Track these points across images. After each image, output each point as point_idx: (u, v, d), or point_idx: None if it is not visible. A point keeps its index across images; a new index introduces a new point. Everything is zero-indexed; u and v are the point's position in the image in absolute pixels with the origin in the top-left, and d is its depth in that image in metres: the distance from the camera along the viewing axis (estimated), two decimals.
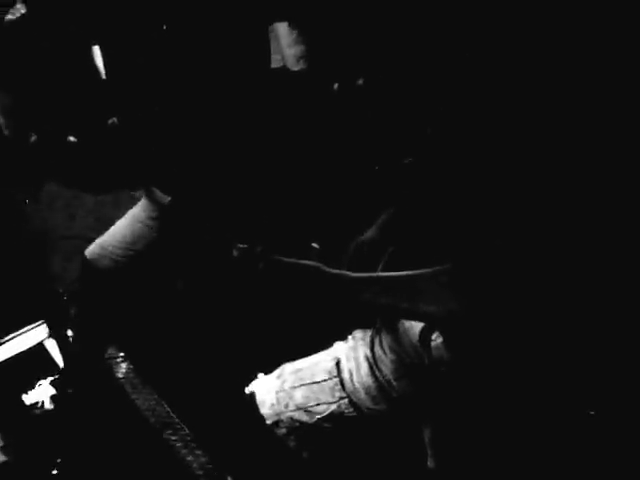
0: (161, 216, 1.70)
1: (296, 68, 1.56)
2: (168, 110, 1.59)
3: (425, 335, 1.40)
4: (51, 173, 1.77)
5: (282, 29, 1.55)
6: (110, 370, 1.66)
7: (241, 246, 1.47)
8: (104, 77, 1.67)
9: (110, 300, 1.72)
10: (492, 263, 1.28)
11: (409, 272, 1.31)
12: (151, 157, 1.66)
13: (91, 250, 1.76)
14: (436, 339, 1.40)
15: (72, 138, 1.64)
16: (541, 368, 1.34)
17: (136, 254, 1.71)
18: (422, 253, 1.39)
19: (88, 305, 1.75)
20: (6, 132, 1.70)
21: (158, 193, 1.67)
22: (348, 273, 1.39)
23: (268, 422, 1.50)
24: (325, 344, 1.56)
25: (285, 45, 1.54)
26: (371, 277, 1.37)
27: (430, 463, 1.56)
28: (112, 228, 1.78)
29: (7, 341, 1.82)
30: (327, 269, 1.39)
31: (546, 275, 1.22)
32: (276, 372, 1.56)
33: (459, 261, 1.29)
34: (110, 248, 1.73)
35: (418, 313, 1.33)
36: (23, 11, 1.73)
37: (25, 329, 1.84)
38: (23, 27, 1.67)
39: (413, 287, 1.31)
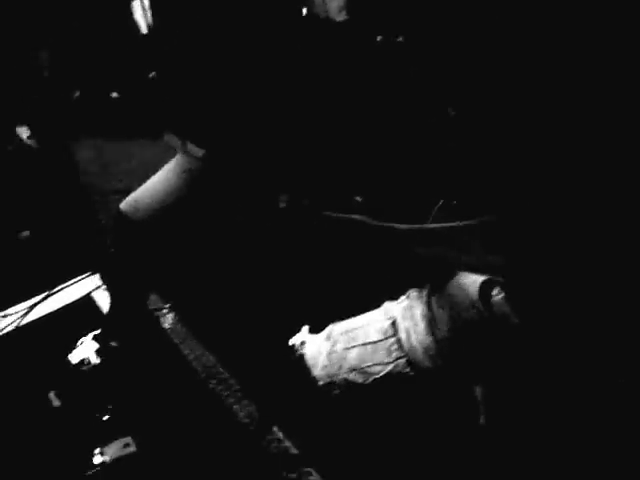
0: (195, 170, 1.63)
1: (339, 19, 1.50)
2: (207, 60, 1.52)
3: (485, 290, 1.37)
4: (97, 127, 1.71)
5: None
6: (156, 321, 1.61)
7: (287, 199, 1.42)
8: (143, 32, 1.60)
9: (147, 253, 1.66)
10: (535, 218, 1.27)
11: (455, 223, 1.30)
12: (185, 108, 1.59)
13: (126, 203, 1.69)
14: (496, 295, 1.36)
15: (115, 94, 1.58)
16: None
17: (169, 207, 1.64)
18: (468, 206, 1.35)
19: (126, 258, 1.69)
20: (52, 88, 1.65)
21: (192, 146, 1.60)
22: (396, 225, 1.36)
23: (321, 384, 1.46)
24: (372, 304, 1.52)
25: None
26: (419, 228, 1.35)
27: (482, 421, 1.54)
28: (147, 182, 1.70)
29: (57, 292, 1.76)
30: (373, 222, 1.36)
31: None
32: (324, 333, 1.52)
33: (503, 213, 1.28)
34: (145, 201, 1.66)
35: (465, 263, 1.32)
36: None
37: (74, 280, 1.78)
38: None
39: (460, 238, 1.30)
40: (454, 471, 1.51)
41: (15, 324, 1.77)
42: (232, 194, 1.63)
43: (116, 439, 1.58)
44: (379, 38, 1.49)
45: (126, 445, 1.59)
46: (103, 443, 1.58)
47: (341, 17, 1.48)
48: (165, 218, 1.66)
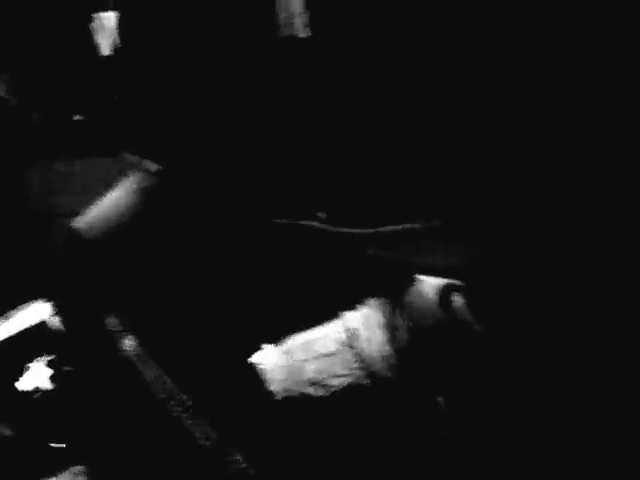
0: (150, 186, 1.58)
1: (302, 35, 1.49)
2: (172, 77, 1.49)
3: (445, 296, 1.33)
4: (55, 150, 1.65)
5: None
6: (112, 344, 1.53)
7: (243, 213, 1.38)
8: (105, 53, 1.57)
9: (102, 272, 1.59)
10: (491, 216, 1.26)
11: (412, 225, 1.28)
12: (143, 125, 1.55)
13: (78, 222, 1.63)
14: (457, 301, 1.33)
15: (78, 117, 1.54)
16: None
17: (124, 225, 1.58)
18: (422, 208, 1.33)
19: (79, 278, 1.62)
20: (10, 111, 1.59)
21: (147, 162, 1.56)
22: (352, 230, 1.33)
23: (278, 399, 1.39)
24: (331, 315, 1.46)
25: (296, 12, 1.47)
26: (375, 232, 1.32)
27: (444, 432, 1.49)
28: (101, 200, 1.64)
29: (5, 319, 1.68)
30: (331, 228, 1.32)
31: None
32: (282, 346, 1.45)
33: (460, 214, 1.27)
34: (99, 218, 1.60)
35: (427, 266, 1.30)
36: None
37: (23, 307, 1.70)
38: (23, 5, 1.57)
39: (416, 240, 1.28)
40: None
41: None
42: (189, 210, 1.59)
43: (67, 468, 1.51)
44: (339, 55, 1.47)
45: (78, 474, 1.52)
46: (54, 473, 1.51)
47: (305, 34, 1.47)
48: (121, 236, 1.60)
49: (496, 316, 1.28)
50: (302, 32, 1.49)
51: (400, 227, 1.26)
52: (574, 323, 1.20)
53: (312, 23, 1.46)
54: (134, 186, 1.62)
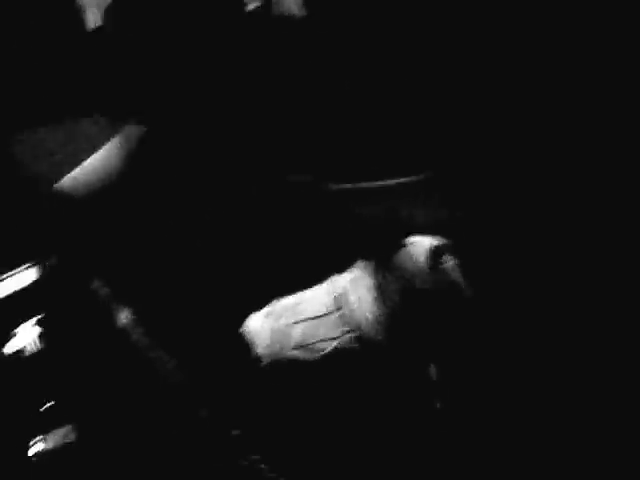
0: (134, 148, 1.55)
1: (299, 15, 1.48)
2: (162, 49, 1.49)
3: (435, 256, 1.29)
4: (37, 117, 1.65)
5: None
6: (102, 311, 1.50)
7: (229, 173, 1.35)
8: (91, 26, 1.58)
9: (89, 231, 1.56)
10: (474, 172, 1.24)
11: (399, 180, 1.25)
12: (130, 88, 1.54)
13: (63, 182, 1.60)
14: (447, 261, 1.29)
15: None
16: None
17: (111, 185, 1.56)
18: (407, 163, 1.30)
19: (66, 239, 1.59)
20: None
21: (130, 125, 1.54)
22: (339, 186, 1.30)
23: (264, 363, 1.35)
24: (319, 277, 1.43)
25: None
26: (358, 187, 1.29)
27: (437, 403, 1.45)
28: (85, 161, 1.61)
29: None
30: (319, 185, 1.30)
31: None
32: (267, 309, 1.41)
33: (443, 170, 1.25)
34: (85, 178, 1.57)
35: (417, 222, 1.27)
36: None
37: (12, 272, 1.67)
38: None
39: (404, 195, 1.26)
40: (409, 460, 1.42)
41: None
42: (173, 172, 1.56)
43: (56, 429, 1.47)
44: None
45: (67, 434, 1.48)
46: (42, 433, 1.47)
47: (301, 13, 1.46)
48: (106, 195, 1.57)
49: (486, 276, 1.25)
50: (299, 12, 1.48)
51: (388, 182, 1.23)
52: (563, 287, 1.17)
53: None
54: (118, 147, 1.59)
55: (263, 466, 1.34)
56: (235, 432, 1.34)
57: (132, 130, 1.56)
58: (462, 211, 1.21)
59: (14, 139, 1.67)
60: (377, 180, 1.26)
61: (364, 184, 1.26)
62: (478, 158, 1.21)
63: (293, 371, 1.35)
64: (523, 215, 1.20)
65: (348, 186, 1.27)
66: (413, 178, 1.22)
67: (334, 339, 1.32)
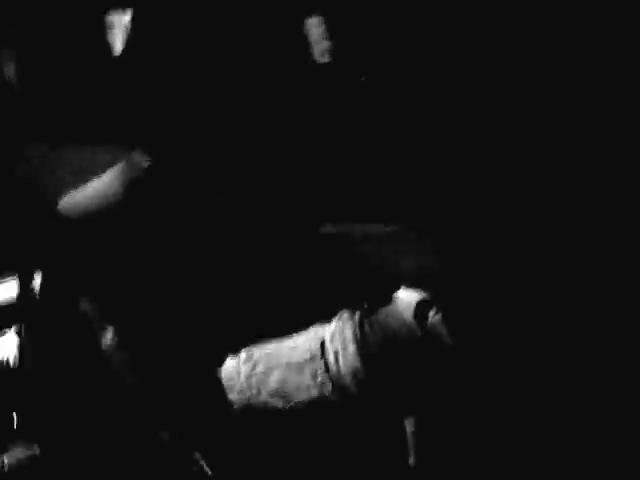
0: (137, 178, 1.54)
1: (322, 61, 1.51)
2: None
3: (421, 311, 1.28)
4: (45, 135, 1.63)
5: (312, 23, 1.52)
6: (86, 330, 1.47)
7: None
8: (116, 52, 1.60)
9: (81, 253, 1.54)
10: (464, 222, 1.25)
11: (384, 226, 1.26)
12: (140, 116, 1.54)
13: (64, 202, 1.58)
14: (433, 316, 1.28)
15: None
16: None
17: (107, 210, 1.54)
18: (400, 211, 1.30)
19: (59, 258, 1.56)
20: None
21: (136, 153, 1.54)
22: (325, 226, 1.30)
23: (236, 408, 1.31)
24: (302, 325, 1.40)
25: (314, 40, 1.50)
26: (350, 228, 1.29)
27: (411, 460, 1.42)
28: (87, 186, 1.60)
29: None
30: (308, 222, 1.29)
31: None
32: (244, 353, 1.38)
33: (431, 218, 1.26)
34: (84, 200, 1.56)
35: (401, 270, 1.27)
36: None
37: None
38: None
39: (396, 241, 1.26)
40: None
41: None
42: (173, 205, 1.55)
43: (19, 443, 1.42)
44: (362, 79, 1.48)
45: (28, 449, 1.42)
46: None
47: (324, 60, 1.48)
48: (103, 222, 1.56)
49: (469, 328, 1.24)
50: (321, 59, 1.51)
51: (376, 226, 1.23)
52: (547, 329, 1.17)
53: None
54: (122, 176, 1.58)
55: None
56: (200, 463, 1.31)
57: (137, 158, 1.55)
58: (449, 259, 1.21)
59: (20, 153, 1.66)
60: (365, 223, 1.26)
61: (356, 226, 1.26)
62: (468, 209, 1.21)
63: (266, 417, 1.31)
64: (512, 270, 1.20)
65: (340, 227, 1.26)
66: (399, 226, 1.23)
67: (312, 388, 1.29)
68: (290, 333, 1.38)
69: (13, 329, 1.50)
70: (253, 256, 1.42)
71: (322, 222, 1.29)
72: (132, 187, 1.53)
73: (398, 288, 1.30)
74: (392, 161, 1.30)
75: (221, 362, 1.38)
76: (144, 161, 1.53)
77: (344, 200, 1.31)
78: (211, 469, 1.22)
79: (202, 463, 1.23)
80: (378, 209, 1.27)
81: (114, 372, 1.36)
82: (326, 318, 1.38)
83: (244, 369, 1.35)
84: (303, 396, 1.29)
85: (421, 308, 1.28)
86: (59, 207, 1.58)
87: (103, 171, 1.57)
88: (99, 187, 1.57)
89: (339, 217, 1.28)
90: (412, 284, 1.27)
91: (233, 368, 1.36)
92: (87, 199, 1.58)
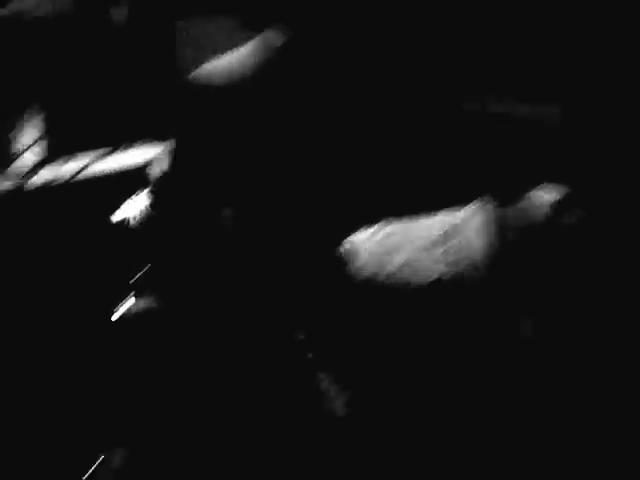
0: (274, 51, 1.59)
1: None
2: None
3: (557, 210, 1.28)
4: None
5: None
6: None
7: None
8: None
9: (215, 120, 1.63)
10: None
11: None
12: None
13: (199, 72, 1.68)
14: (569, 218, 1.28)
15: None
16: None
17: (241, 85, 1.62)
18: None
19: (194, 123, 1.66)
20: None
21: (271, 32, 1.58)
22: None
23: (364, 275, 1.37)
24: (436, 207, 1.42)
25: None
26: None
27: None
28: (226, 56, 1.67)
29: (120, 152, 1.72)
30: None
31: None
32: (374, 228, 1.43)
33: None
34: (218, 73, 1.64)
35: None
36: None
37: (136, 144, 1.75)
38: None
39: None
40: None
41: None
42: (307, 90, 1.58)
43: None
44: None
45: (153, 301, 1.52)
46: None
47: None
48: (238, 93, 1.62)
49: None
50: None
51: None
52: None
53: None
54: (257, 50, 1.63)
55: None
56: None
57: (272, 37, 1.59)
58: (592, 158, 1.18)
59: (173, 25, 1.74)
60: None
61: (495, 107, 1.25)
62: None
63: (391, 291, 1.36)
64: None
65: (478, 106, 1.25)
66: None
67: (440, 264, 1.32)
68: (424, 214, 1.41)
69: (145, 191, 1.58)
70: (395, 134, 1.44)
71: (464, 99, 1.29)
72: (267, 63, 1.56)
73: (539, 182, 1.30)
74: None
75: (355, 230, 1.44)
76: (279, 39, 1.56)
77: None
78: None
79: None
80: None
81: (233, 243, 1.42)
82: (461, 202, 1.40)
83: (373, 241, 1.40)
84: (429, 273, 1.33)
85: (559, 207, 1.28)
86: (199, 76, 1.64)
87: (238, 46, 1.62)
88: (234, 62, 1.62)
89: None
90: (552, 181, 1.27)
91: (363, 239, 1.42)
92: (222, 71, 1.63)
